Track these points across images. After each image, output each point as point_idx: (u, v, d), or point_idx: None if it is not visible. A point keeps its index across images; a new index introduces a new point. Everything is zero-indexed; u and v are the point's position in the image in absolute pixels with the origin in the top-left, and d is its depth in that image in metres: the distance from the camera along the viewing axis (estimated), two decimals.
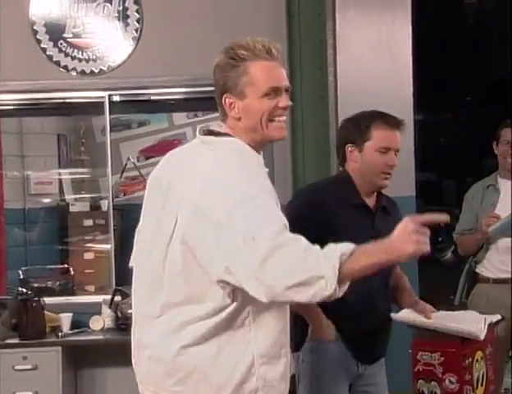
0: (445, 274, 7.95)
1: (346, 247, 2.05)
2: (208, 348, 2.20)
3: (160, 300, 2.24)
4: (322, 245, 2.84)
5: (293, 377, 2.81)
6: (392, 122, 2.99)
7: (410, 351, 2.92)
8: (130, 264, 2.46)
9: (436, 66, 9.25)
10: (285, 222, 2.11)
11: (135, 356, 2.36)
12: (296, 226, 2.15)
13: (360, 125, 2.99)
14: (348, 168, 3.05)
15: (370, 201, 3.05)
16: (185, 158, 2.33)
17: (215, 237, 2.09)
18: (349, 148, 3.01)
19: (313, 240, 2.82)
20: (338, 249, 2.04)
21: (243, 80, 2.26)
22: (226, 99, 2.29)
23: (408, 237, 2.03)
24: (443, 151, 10.87)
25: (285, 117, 2.32)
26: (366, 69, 4.91)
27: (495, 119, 4.82)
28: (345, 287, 2.06)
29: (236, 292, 2.16)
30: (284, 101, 2.29)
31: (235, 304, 2.18)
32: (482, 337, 2.90)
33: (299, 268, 2.01)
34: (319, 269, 2.01)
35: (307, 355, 3.00)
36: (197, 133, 2.37)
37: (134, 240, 2.43)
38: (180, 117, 6.76)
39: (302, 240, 2.07)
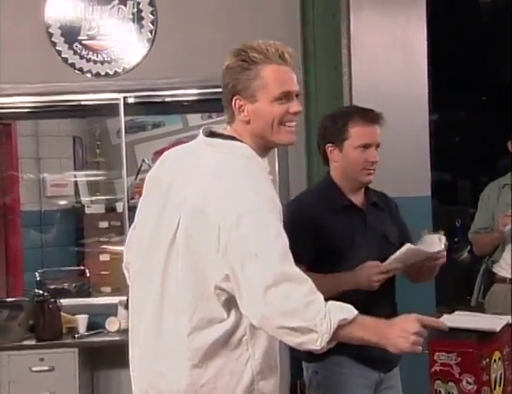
0: (462, 274, 7.92)
1: (349, 312, 2.06)
2: (206, 373, 2.17)
3: (164, 305, 2.21)
4: (321, 253, 2.85)
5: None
6: (369, 117, 2.95)
7: (427, 352, 2.90)
8: (124, 264, 2.46)
9: (451, 66, 9.21)
10: (287, 242, 2.10)
11: (138, 366, 2.32)
12: (294, 238, 2.14)
13: (337, 124, 2.96)
14: (330, 168, 3.03)
15: (358, 199, 3.01)
16: (187, 158, 2.30)
17: (216, 243, 2.08)
18: (330, 149, 3.00)
19: (311, 251, 2.82)
20: (342, 313, 2.05)
21: (255, 84, 2.22)
22: (236, 101, 2.24)
23: (406, 335, 2.08)
24: (458, 150, 10.81)
25: (295, 123, 2.28)
26: (381, 69, 4.89)
27: (510, 119, 4.79)
28: (333, 345, 2.06)
29: (231, 304, 2.14)
30: (295, 106, 2.26)
31: (231, 319, 2.16)
32: (497, 329, 2.88)
33: (297, 314, 2.01)
34: (316, 324, 2.01)
35: (322, 366, 2.92)
36: (200, 133, 2.33)
37: (127, 238, 2.42)
38: (194, 118, 6.76)
39: (308, 282, 2.07)
